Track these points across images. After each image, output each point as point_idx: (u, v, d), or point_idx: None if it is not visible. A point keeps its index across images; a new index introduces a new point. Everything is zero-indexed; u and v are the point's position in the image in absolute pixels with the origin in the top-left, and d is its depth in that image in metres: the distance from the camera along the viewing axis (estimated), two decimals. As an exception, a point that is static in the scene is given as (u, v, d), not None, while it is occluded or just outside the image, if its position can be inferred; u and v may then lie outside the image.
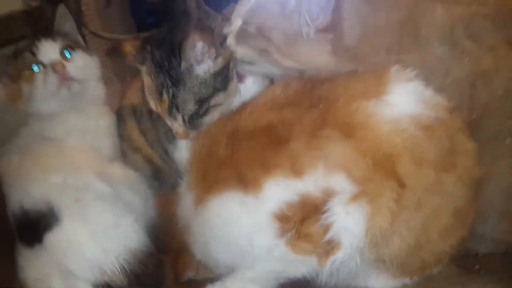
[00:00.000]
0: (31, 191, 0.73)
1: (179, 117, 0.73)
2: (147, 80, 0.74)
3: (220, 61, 0.73)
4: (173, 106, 0.72)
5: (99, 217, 0.72)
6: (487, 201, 0.75)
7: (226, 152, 0.68)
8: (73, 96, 0.79)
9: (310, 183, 0.62)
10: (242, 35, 0.76)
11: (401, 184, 0.61)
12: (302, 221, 0.63)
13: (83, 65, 0.81)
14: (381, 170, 0.61)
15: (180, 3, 0.95)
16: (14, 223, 0.75)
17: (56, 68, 0.76)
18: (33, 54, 0.77)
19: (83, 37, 1.06)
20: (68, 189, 0.72)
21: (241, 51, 0.77)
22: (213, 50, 0.71)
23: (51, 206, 0.71)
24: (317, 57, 0.73)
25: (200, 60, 0.71)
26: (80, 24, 1.05)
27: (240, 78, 0.79)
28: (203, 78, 0.72)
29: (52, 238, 0.71)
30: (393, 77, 0.68)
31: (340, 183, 0.61)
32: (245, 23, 0.76)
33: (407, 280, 0.71)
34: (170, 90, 0.71)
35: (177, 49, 0.70)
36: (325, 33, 0.71)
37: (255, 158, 0.65)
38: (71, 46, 0.80)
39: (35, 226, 0.71)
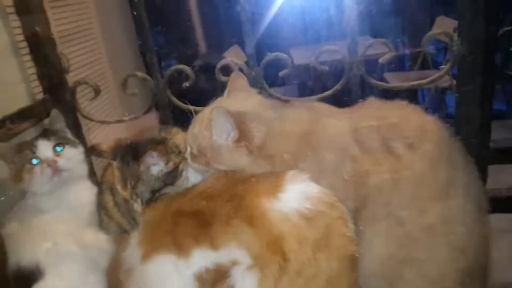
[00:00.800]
0: (25, 253, 0.98)
1: (138, 201, 0.98)
2: (116, 172, 1.00)
3: (171, 165, 1.00)
4: (134, 193, 0.97)
5: (72, 275, 0.97)
6: (368, 267, 0.97)
7: (170, 225, 0.93)
8: (62, 180, 1.04)
9: (223, 256, 0.87)
10: (192, 156, 1.02)
11: (285, 258, 0.86)
12: (215, 283, 0.88)
13: (70, 157, 1.06)
14: (272, 248, 0.86)
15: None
16: (12, 275, 0.98)
17: (50, 163, 1.01)
18: (33, 151, 1.02)
19: (78, 121, 1.34)
20: (52, 253, 0.97)
21: (195, 166, 1.03)
22: (165, 157, 0.98)
23: (38, 265, 0.96)
24: (238, 160, 0.98)
25: (155, 164, 0.98)
26: (75, 110, 1.33)
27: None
28: (157, 176, 0.98)
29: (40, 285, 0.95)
30: (289, 179, 0.92)
31: (243, 257, 0.86)
32: (190, 147, 1.02)
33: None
34: (132, 182, 0.97)
35: (139, 156, 0.97)
36: (238, 143, 0.97)
37: (189, 233, 0.90)
38: (61, 142, 1.05)
39: (26, 279, 0.96)
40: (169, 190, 0.99)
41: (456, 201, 0.96)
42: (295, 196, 0.90)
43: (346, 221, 0.93)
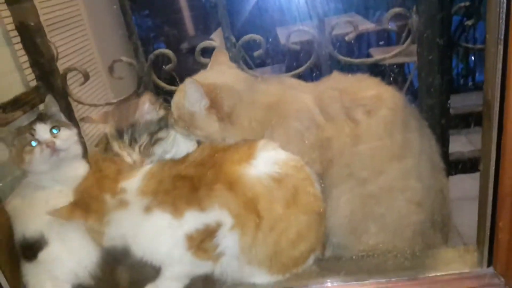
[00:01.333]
0: (29, 225, 1.09)
1: (136, 148, 1.08)
2: (110, 130, 1.09)
3: (162, 112, 1.13)
4: (132, 140, 1.07)
5: (73, 242, 1.08)
6: (337, 223, 1.10)
7: (170, 186, 1.02)
8: (60, 159, 1.13)
9: (209, 216, 0.99)
10: (175, 121, 1.14)
11: (260, 216, 0.98)
12: (202, 241, 1.00)
13: (66, 138, 1.14)
14: (248, 208, 0.98)
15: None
16: (19, 246, 1.10)
17: (48, 144, 1.09)
18: (32, 134, 1.11)
19: (70, 106, 1.44)
20: (54, 223, 1.07)
21: (177, 129, 1.15)
22: (157, 104, 1.12)
23: (42, 235, 1.07)
24: (210, 125, 1.09)
25: (149, 110, 1.10)
26: (67, 95, 1.43)
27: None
28: (151, 120, 1.10)
29: (43, 255, 1.07)
30: (260, 147, 1.04)
31: (225, 217, 0.98)
32: (173, 113, 1.13)
33: (280, 277, 1.06)
34: (129, 130, 1.07)
35: (133, 107, 1.09)
36: (210, 109, 1.08)
37: (183, 195, 1.01)
38: (57, 125, 1.14)
39: (32, 248, 1.07)
40: (164, 133, 1.10)
41: (411, 161, 1.08)
42: (265, 162, 1.01)
43: (311, 181, 1.05)
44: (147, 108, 1.10)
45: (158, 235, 1.02)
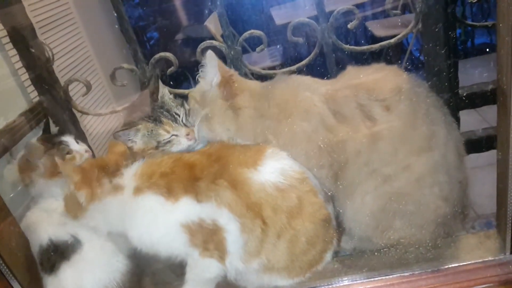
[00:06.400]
0: (59, 229, 1.10)
1: (180, 120, 1.12)
2: (146, 126, 1.12)
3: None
4: (173, 117, 1.12)
5: (104, 243, 1.10)
6: (362, 221, 1.08)
7: (168, 169, 1.02)
8: None
9: (204, 210, 0.98)
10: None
11: (265, 223, 0.99)
12: (206, 242, 0.99)
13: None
14: (252, 211, 0.98)
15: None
16: (42, 252, 1.09)
17: (87, 151, 1.24)
18: (67, 145, 1.21)
19: (75, 117, 1.43)
20: (84, 227, 1.08)
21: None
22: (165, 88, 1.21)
23: (76, 237, 1.09)
24: (214, 102, 1.11)
25: (165, 93, 1.18)
26: (70, 106, 1.41)
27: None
28: (172, 99, 1.17)
29: (78, 257, 1.08)
30: (267, 155, 1.03)
31: (225, 216, 0.98)
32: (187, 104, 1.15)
33: (301, 278, 1.07)
34: (164, 112, 1.13)
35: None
36: (219, 87, 1.10)
37: (180, 181, 1.00)
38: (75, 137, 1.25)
39: (62, 252, 1.08)
40: (181, 111, 1.15)
41: (438, 153, 1.03)
42: (271, 170, 1.01)
43: (315, 192, 1.04)
44: (161, 88, 1.20)
45: (151, 220, 1.00)
